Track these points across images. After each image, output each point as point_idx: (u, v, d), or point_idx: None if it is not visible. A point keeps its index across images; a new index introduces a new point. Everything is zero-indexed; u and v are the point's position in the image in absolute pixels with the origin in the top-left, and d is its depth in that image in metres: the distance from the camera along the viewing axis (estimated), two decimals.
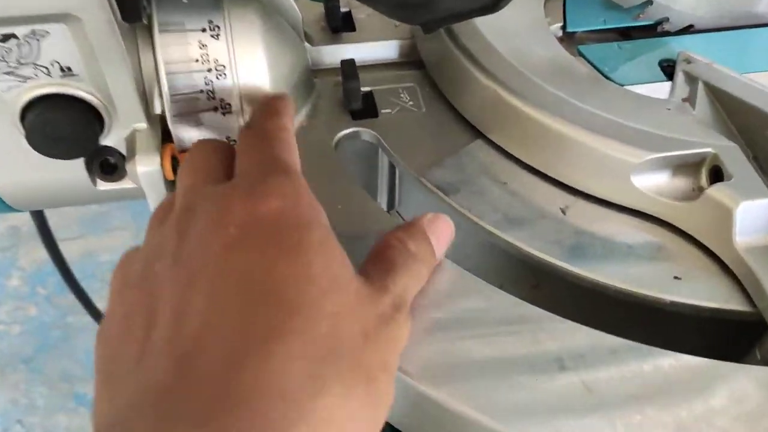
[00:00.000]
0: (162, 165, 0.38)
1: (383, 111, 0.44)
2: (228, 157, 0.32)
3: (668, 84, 0.46)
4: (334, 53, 0.47)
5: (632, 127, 0.39)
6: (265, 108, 0.34)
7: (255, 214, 0.26)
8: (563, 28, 0.50)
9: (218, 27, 0.38)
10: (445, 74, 0.45)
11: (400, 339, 0.28)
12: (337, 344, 0.24)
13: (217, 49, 0.38)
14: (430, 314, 0.35)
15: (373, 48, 0.48)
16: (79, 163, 0.39)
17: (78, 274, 0.69)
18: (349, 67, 0.42)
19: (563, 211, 0.40)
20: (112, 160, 0.40)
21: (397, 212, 0.48)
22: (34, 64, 0.34)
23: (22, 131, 0.36)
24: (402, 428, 0.38)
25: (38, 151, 0.37)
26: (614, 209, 0.40)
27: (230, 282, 0.24)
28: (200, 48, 0.38)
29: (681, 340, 0.39)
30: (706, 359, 0.34)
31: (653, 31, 0.50)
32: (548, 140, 0.40)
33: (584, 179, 0.40)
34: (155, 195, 0.38)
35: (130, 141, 0.38)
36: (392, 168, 0.45)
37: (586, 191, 0.40)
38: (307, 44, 0.47)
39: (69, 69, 0.35)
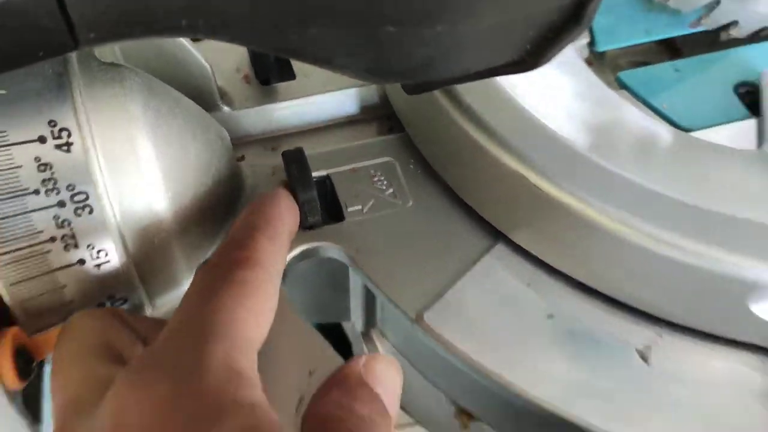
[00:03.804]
0: None
1: (350, 208, 0.30)
2: (123, 329, 0.22)
3: (754, 122, 0.32)
4: (268, 117, 0.32)
5: (744, 222, 0.25)
6: (238, 228, 0.23)
7: (126, 411, 0.17)
8: (590, 45, 0.35)
9: (67, 131, 0.23)
10: (438, 144, 0.30)
11: None
12: None
13: (71, 168, 0.23)
14: None
15: (324, 103, 0.33)
16: None
17: None
18: (296, 165, 0.27)
19: (644, 356, 0.26)
20: None
21: (381, 332, 0.34)
22: None
23: None
24: None
25: None
26: (722, 345, 0.26)
27: None
28: (39, 170, 0.23)
29: None
30: None
31: (712, 39, 0.36)
32: (613, 248, 0.26)
33: (675, 307, 0.26)
34: None
35: None
36: (369, 291, 0.30)
37: (677, 322, 0.26)
38: (225, 109, 0.32)
39: None
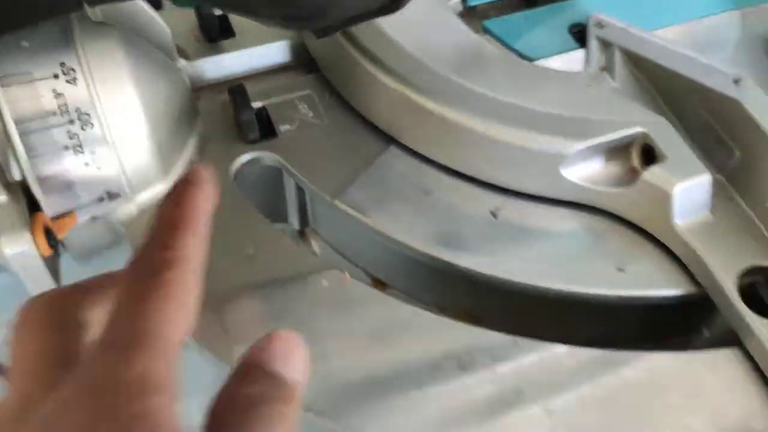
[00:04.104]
0: (34, 241, 0.32)
1: (282, 128, 0.40)
2: (74, 312, 0.23)
3: (582, 52, 0.43)
4: (216, 67, 0.42)
5: (555, 115, 0.36)
6: (163, 225, 0.23)
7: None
8: (463, 1, 0.46)
9: (73, 70, 0.32)
10: (344, 77, 0.41)
11: None
12: None
13: (77, 96, 0.32)
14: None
15: (259, 54, 0.43)
16: None
17: None
18: (239, 95, 0.37)
19: (494, 215, 0.37)
20: None
21: (314, 229, 0.44)
22: None
23: None
24: None
25: None
26: (548, 204, 0.37)
27: None
28: (55, 98, 0.32)
29: (626, 329, 0.38)
30: (653, 352, 0.33)
31: None
32: (468, 140, 0.37)
33: (511, 177, 0.37)
34: (32, 277, 0.33)
35: None
36: (300, 188, 0.41)
37: (515, 189, 0.37)
38: (182, 61, 0.41)
39: None
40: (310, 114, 0.40)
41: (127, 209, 0.35)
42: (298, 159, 0.38)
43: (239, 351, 0.31)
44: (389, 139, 0.39)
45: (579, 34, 0.44)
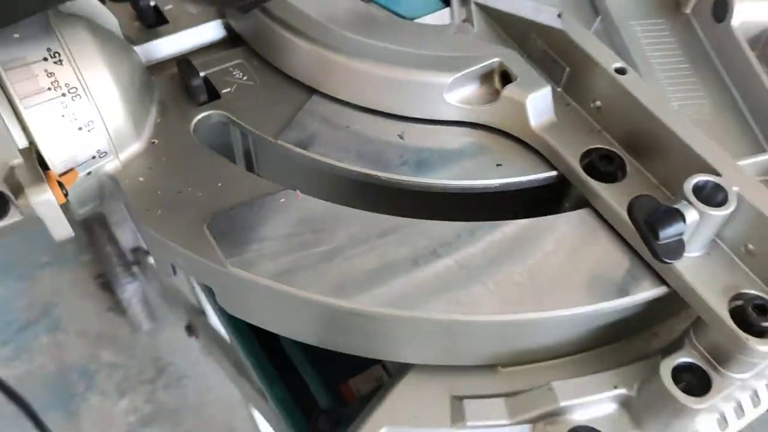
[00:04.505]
0: (52, 191, 0.40)
1: (223, 91, 0.49)
2: None
3: (448, 10, 0.55)
4: (159, 48, 0.51)
5: (435, 56, 0.48)
6: None
7: None
8: None
9: (58, 53, 0.41)
10: (267, 45, 0.51)
11: None
12: None
13: (64, 74, 0.41)
14: (321, 248, 0.42)
15: (194, 34, 0.52)
16: None
17: None
18: (186, 66, 0.46)
19: (401, 137, 0.48)
20: None
21: (257, 175, 0.54)
22: None
23: None
24: (329, 345, 0.45)
25: None
26: (440, 124, 0.49)
27: None
28: (48, 76, 0.40)
29: (511, 210, 0.50)
30: (532, 218, 0.45)
31: None
32: (371, 82, 0.48)
33: (409, 106, 0.48)
34: (53, 219, 0.40)
35: (10, 178, 0.40)
36: (245, 138, 0.50)
37: (414, 116, 0.49)
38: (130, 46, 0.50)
39: None
40: (244, 78, 0.50)
41: (114, 164, 0.44)
42: (240, 114, 0.48)
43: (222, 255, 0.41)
44: (311, 90, 0.50)
45: None
